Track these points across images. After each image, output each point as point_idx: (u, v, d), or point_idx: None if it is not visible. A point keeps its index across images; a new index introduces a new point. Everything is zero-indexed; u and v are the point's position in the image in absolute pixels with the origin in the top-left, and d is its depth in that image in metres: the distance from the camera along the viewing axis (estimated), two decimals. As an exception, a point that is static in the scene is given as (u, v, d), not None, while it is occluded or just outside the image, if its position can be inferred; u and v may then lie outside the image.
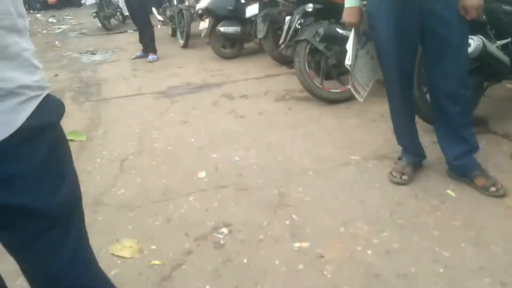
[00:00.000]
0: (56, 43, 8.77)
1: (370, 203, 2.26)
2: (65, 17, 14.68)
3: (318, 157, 2.81)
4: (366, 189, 2.39)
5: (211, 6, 5.69)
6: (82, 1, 10.65)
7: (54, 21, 13.76)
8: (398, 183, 2.40)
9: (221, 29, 5.63)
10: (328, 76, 3.84)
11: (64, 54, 7.53)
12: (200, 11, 5.86)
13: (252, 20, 5.49)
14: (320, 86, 3.73)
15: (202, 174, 2.70)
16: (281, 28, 5.25)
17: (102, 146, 3.30)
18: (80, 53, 7.46)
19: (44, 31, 11.45)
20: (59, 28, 11.85)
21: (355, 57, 2.38)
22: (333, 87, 3.80)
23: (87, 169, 2.93)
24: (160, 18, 7.96)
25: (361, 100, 2.56)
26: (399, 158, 2.53)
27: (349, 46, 2.35)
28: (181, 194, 2.48)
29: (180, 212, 2.31)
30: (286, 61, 4.86)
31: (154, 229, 2.20)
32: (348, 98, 3.74)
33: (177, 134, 3.42)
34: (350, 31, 2.37)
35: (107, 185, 2.68)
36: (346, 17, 2.31)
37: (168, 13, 7.66)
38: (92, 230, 2.27)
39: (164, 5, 7.76)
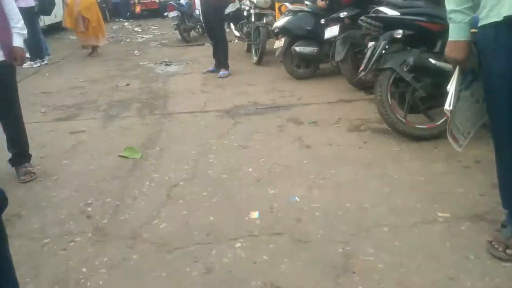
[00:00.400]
0: (136, 52, 8.98)
1: (463, 282, 1.75)
2: (150, 27, 15.25)
3: (396, 208, 2.32)
4: (457, 261, 1.87)
5: (289, 25, 5.39)
6: (165, 14, 10.94)
7: (139, 30, 14.34)
8: (500, 259, 1.86)
9: (297, 49, 5.30)
10: (413, 109, 3.32)
11: (141, 64, 7.63)
12: (276, 30, 5.59)
13: (330, 41, 5.10)
14: (403, 120, 3.23)
15: (254, 215, 2.33)
16: (361, 52, 4.81)
17: (155, 167, 3.07)
18: (156, 64, 7.51)
19: (128, 39, 11.90)
20: (142, 37, 12.27)
21: (457, 99, 1.91)
22: (418, 123, 3.28)
23: (134, 193, 2.69)
24: (237, 33, 7.85)
25: (459, 150, 2.07)
26: (503, 226, 1.98)
27: (451, 87, 1.89)
28: (228, 238, 2.13)
29: (222, 262, 1.96)
30: (364, 86, 4.39)
31: (190, 280, 1.86)
32: (435, 136, 3.20)
33: (235, 160, 3.10)
34: (452, 67, 1.91)
35: (150, 215, 2.40)
36: (450, 52, 1.86)
37: (245, 29, 7.52)
38: (122, 272, 1.99)
39: (242, 21, 7.63)
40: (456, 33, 1.87)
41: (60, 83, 6.30)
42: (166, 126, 3.99)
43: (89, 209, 2.54)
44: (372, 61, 3.49)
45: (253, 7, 7.01)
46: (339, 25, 5.07)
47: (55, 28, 13.04)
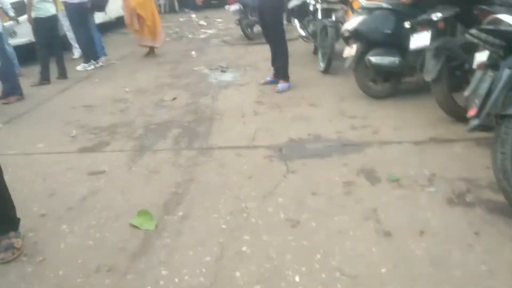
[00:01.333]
0: (193, 53, 8.27)
1: None
2: (215, 20, 14.60)
3: None
4: None
5: (362, 27, 4.27)
6: (226, 7, 10.08)
7: (204, 24, 13.71)
8: None
9: (372, 59, 4.17)
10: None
11: (195, 69, 6.88)
12: (347, 34, 4.50)
13: (417, 51, 3.93)
14: (539, 200, 2.09)
15: None
16: (462, 68, 3.61)
17: (167, 254, 2.22)
18: (210, 69, 6.71)
19: (190, 35, 11.29)
20: (205, 32, 11.61)
21: None
22: None
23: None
24: (302, 32, 6.78)
25: None
26: None
27: None
28: None
29: None
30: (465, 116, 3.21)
31: None
32: None
33: (278, 252, 2.15)
34: None
35: None
36: None
37: (311, 27, 6.42)
38: None
39: (307, 18, 6.52)
40: None
41: (106, 94, 5.74)
42: (200, 172, 3.13)
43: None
44: (490, 102, 2.36)
45: (319, 1, 5.94)
46: (430, 30, 3.87)
47: (109, 27, 12.61)
